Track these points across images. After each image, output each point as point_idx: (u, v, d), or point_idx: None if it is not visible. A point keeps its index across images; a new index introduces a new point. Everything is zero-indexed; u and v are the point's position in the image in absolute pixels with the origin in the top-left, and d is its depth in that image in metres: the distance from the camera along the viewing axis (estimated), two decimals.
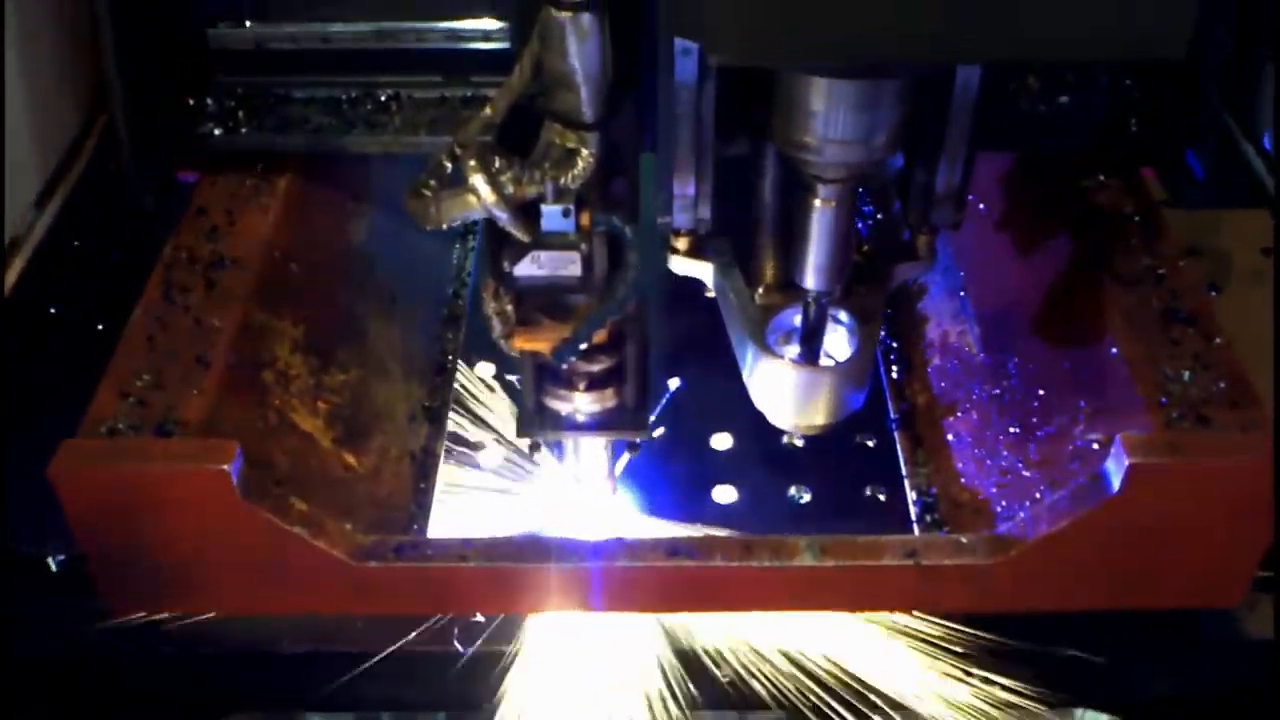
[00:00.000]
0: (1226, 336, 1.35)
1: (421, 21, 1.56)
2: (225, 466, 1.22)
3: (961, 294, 1.62)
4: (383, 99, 1.59)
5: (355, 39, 1.57)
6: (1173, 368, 1.31)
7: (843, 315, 1.34)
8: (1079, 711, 1.67)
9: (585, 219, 1.17)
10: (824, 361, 1.34)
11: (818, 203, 1.22)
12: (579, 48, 1.10)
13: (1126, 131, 1.51)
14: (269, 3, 1.56)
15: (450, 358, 1.71)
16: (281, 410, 1.40)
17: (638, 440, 1.47)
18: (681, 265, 1.33)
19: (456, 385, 1.68)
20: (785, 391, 1.35)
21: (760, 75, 1.17)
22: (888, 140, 1.17)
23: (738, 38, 1.00)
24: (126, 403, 1.31)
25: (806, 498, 1.59)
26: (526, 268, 1.18)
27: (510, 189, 1.13)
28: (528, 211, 1.15)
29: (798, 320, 1.34)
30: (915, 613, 1.38)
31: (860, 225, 1.37)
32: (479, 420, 1.66)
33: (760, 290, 1.36)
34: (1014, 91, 1.38)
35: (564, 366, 1.34)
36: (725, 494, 1.60)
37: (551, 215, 1.16)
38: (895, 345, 1.69)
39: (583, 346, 1.26)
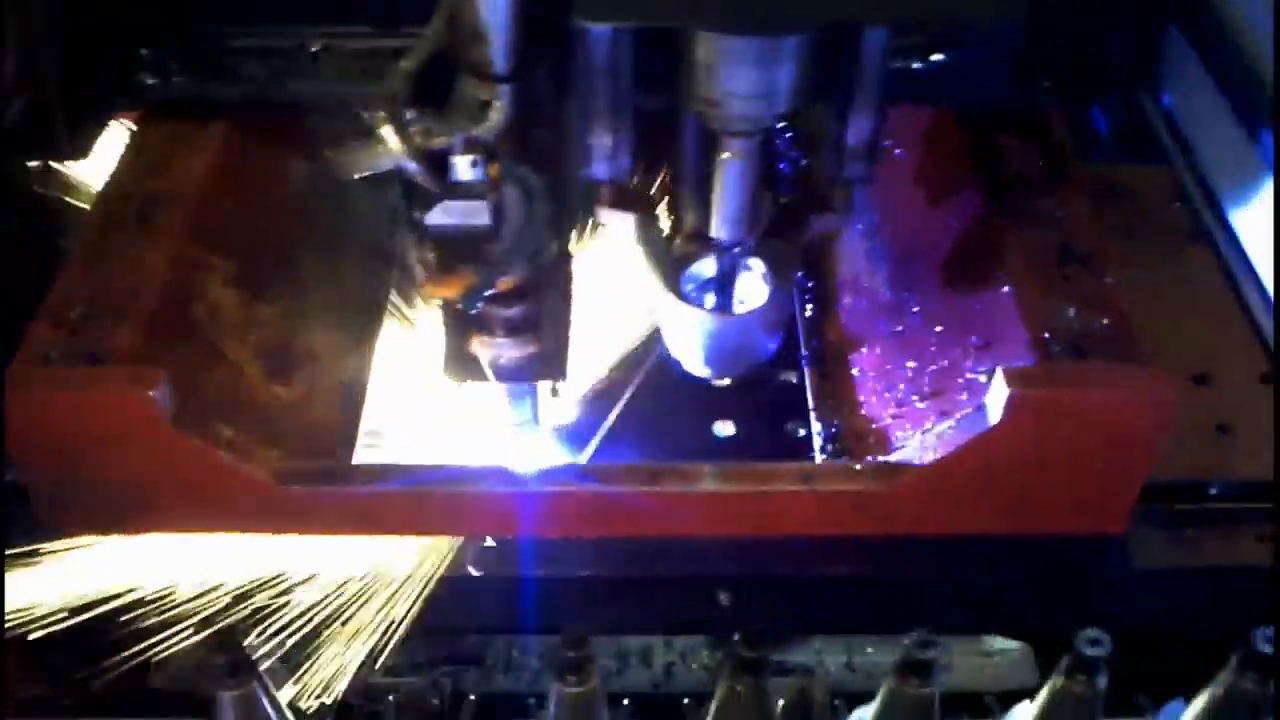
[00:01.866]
0: (1117, 277, 1.42)
1: None
2: (152, 393, 1.28)
3: (874, 236, 1.68)
4: (314, 50, 1.64)
5: None
6: (1060, 304, 1.38)
7: (759, 264, 1.38)
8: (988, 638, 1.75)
9: (494, 169, 1.20)
10: (736, 310, 1.39)
11: (725, 156, 1.25)
12: (490, 1, 1.13)
13: (1037, 87, 1.58)
14: None
15: (383, 294, 1.76)
16: (212, 342, 1.46)
17: (556, 386, 1.52)
18: (606, 215, 1.37)
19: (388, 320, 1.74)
20: (697, 339, 1.41)
21: (671, 31, 1.20)
22: (788, 95, 1.20)
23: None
24: (60, 333, 1.37)
25: (728, 432, 1.65)
26: (437, 216, 1.21)
27: (419, 140, 1.16)
28: (438, 162, 1.19)
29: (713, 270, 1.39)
30: None
31: (782, 176, 1.43)
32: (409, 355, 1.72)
33: (679, 240, 1.40)
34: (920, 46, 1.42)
35: (474, 312, 1.36)
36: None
37: (460, 166, 1.19)
38: (811, 285, 1.75)
39: (491, 292, 1.29)
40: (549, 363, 1.44)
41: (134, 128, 1.65)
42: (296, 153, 1.73)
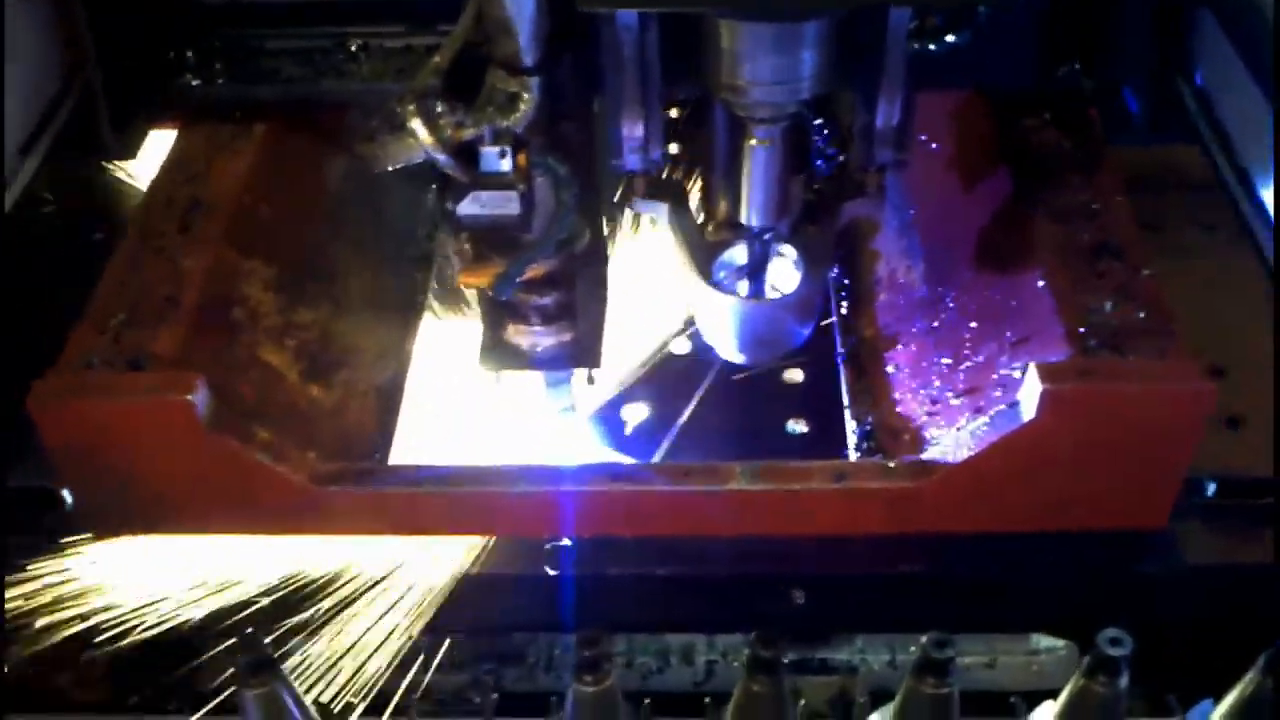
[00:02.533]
0: (1153, 269, 1.40)
1: None
2: (190, 397, 1.30)
3: (911, 230, 1.67)
4: (352, 49, 1.67)
5: None
6: (1095, 298, 1.36)
7: (791, 251, 1.39)
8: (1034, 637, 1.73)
9: (522, 160, 1.22)
10: (768, 296, 1.40)
11: (752, 142, 1.27)
12: None
13: (1067, 69, 1.55)
14: None
15: (420, 297, 1.78)
16: (250, 346, 1.48)
17: (592, 373, 1.53)
18: (641, 205, 1.39)
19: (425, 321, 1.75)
20: (730, 325, 1.41)
21: (696, 20, 1.21)
22: (811, 80, 1.21)
23: None
24: (102, 339, 1.39)
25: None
26: (468, 207, 1.23)
27: (449, 132, 1.18)
28: (467, 154, 1.21)
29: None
30: None
31: (817, 165, 1.43)
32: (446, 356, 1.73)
33: (711, 228, 1.41)
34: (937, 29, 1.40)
35: (513, 301, 1.40)
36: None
37: (489, 157, 1.21)
38: (847, 282, 1.74)
39: (522, 279, 1.31)
40: (584, 350, 1.47)
41: (174, 134, 1.68)
42: (334, 156, 1.75)
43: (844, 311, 1.71)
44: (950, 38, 1.23)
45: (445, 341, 1.76)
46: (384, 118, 1.26)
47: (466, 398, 1.67)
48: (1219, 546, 1.42)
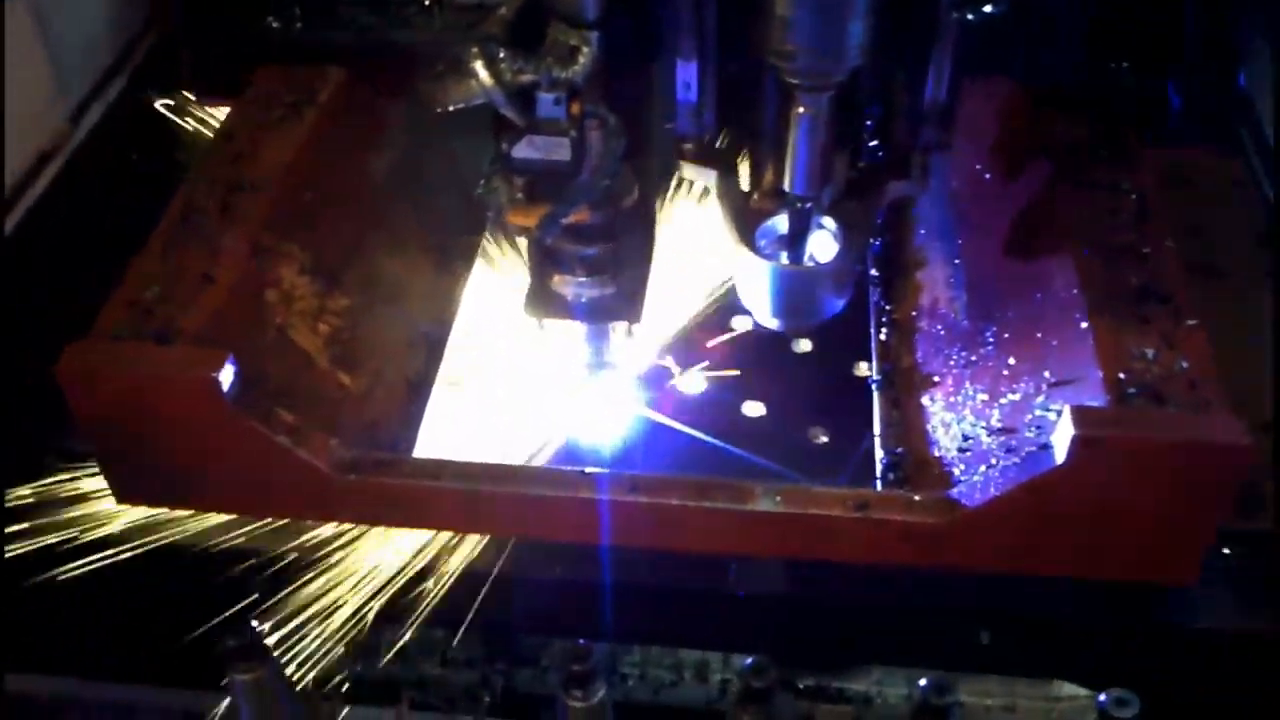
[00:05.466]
0: (1200, 319, 1.36)
1: None
2: (215, 374, 1.31)
3: (957, 261, 1.64)
4: (426, 3, 1.73)
5: None
6: (1138, 345, 1.33)
7: (832, 223, 1.42)
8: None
9: (576, 107, 1.26)
10: (806, 264, 1.43)
11: (799, 110, 1.30)
12: None
13: (1115, 67, 1.59)
14: None
15: (456, 291, 1.78)
16: (282, 328, 1.48)
17: (632, 327, 1.56)
18: (690, 170, 1.45)
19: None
20: (766, 289, 1.44)
21: None
22: (857, 51, 1.24)
23: None
24: (134, 311, 1.40)
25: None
26: (523, 150, 1.28)
27: (508, 76, 1.23)
28: (524, 98, 1.25)
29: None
30: None
31: (866, 144, 1.45)
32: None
33: (756, 196, 1.44)
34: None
35: (559, 251, 1.44)
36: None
37: (545, 102, 1.25)
38: (889, 308, 1.72)
39: (567, 221, 1.34)
40: (626, 304, 1.51)
41: (220, 117, 1.69)
42: (380, 141, 1.75)
43: (883, 338, 1.68)
44: (988, 8, 1.23)
45: (483, 334, 1.76)
46: (449, 61, 1.29)
47: (500, 395, 1.69)
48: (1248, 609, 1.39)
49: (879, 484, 1.52)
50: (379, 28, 1.74)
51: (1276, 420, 1.46)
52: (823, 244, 1.43)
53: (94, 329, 1.38)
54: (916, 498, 1.34)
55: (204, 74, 1.79)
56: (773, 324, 1.50)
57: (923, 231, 1.76)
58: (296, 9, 1.75)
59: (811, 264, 1.43)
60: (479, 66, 1.21)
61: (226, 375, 1.31)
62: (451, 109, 1.29)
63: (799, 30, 1.22)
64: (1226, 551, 1.41)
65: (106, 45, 1.81)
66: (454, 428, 1.65)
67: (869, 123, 1.44)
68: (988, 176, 1.67)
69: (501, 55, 1.22)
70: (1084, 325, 1.36)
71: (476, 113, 1.30)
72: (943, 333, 1.60)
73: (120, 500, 1.45)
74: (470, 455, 1.60)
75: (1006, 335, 1.48)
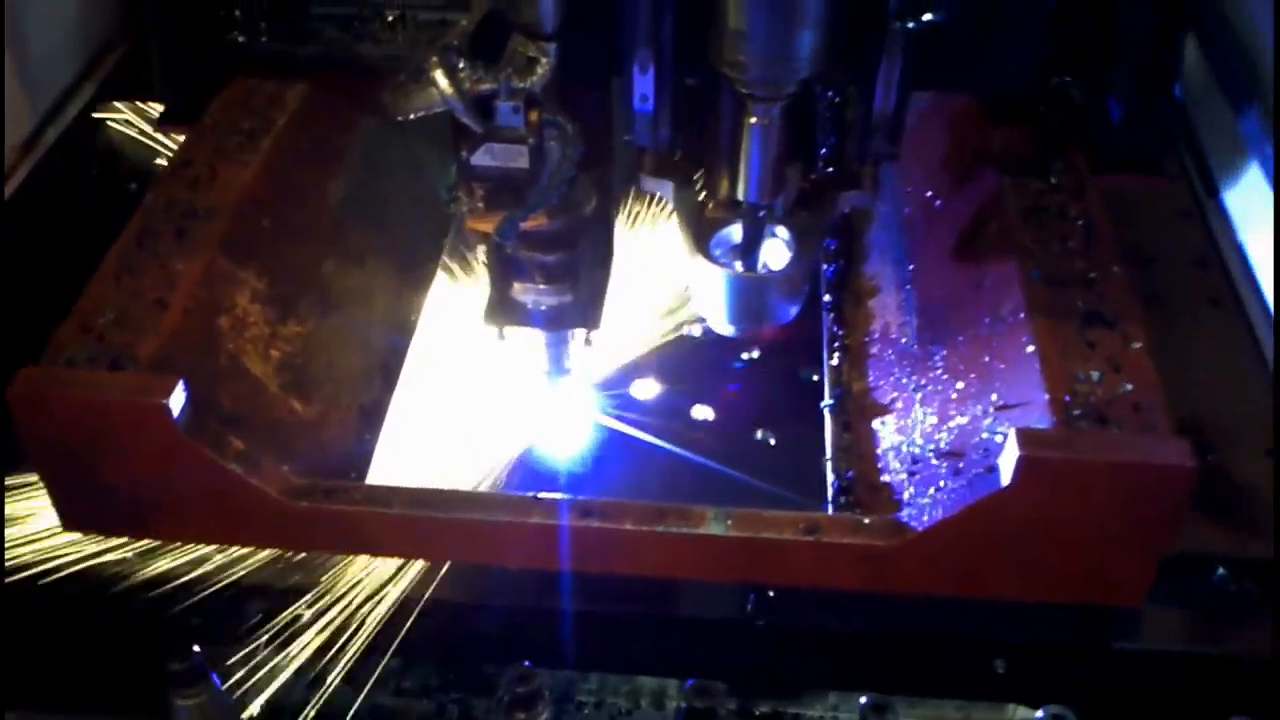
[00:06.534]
0: (1147, 343, 1.38)
1: None
2: (166, 401, 1.30)
3: (908, 287, 1.66)
4: (390, 19, 1.76)
5: None
6: (1084, 368, 1.35)
7: (785, 232, 1.45)
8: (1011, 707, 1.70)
9: (534, 116, 1.28)
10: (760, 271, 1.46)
11: (752, 120, 1.32)
12: None
13: (1059, 79, 1.62)
14: None
15: (413, 317, 1.78)
16: (234, 354, 1.48)
17: (590, 336, 1.58)
18: (648, 181, 1.48)
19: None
20: (719, 296, 1.47)
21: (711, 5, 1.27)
22: (808, 62, 1.27)
23: None
24: (88, 336, 1.40)
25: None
26: (481, 157, 1.30)
27: (467, 85, 1.25)
28: (483, 107, 1.28)
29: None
30: None
31: (818, 157, 1.49)
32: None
33: (711, 205, 1.47)
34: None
35: (519, 259, 1.47)
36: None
37: (504, 111, 1.28)
38: (841, 333, 1.73)
39: (526, 226, 1.35)
40: (584, 311, 1.54)
41: (179, 140, 1.70)
42: (338, 168, 1.76)
43: (835, 363, 1.70)
44: (928, 16, 1.27)
45: (438, 359, 1.77)
46: (410, 72, 1.31)
47: (460, 406, 1.70)
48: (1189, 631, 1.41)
49: (830, 507, 1.53)
50: (344, 41, 1.77)
51: (1277, 444, 1.48)
52: (776, 252, 1.46)
53: (46, 354, 1.37)
54: (866, 521, 1.35)
55: (171, 87, 1.80)
56: (727, 330, 1.53)
57: (876, 258, 1.78)
58: (262, 23, 1.77)
59: (765, 271, 1.46)
60: (439, 75, 1.24)
61: (177, 401, 1.31)
62: (413, 116, 1.31)
63: (751, 41, 1.26)
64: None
65: (73, 57, 1.82)
66: (413, 441, 1.65)
67: (821, 136, 1.48)
68: (938, 203, 1.69)
69: (461, 65, 1.25)
70: (1030, 349, 1.38)
71: (439, 126, 1.32)
72: (893, 357, 1.61)
73: (67, 527, 1.44)
74: (429, 468, 1.63)
75: (956, 359, 1.50)
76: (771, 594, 1.44)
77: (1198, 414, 1.53)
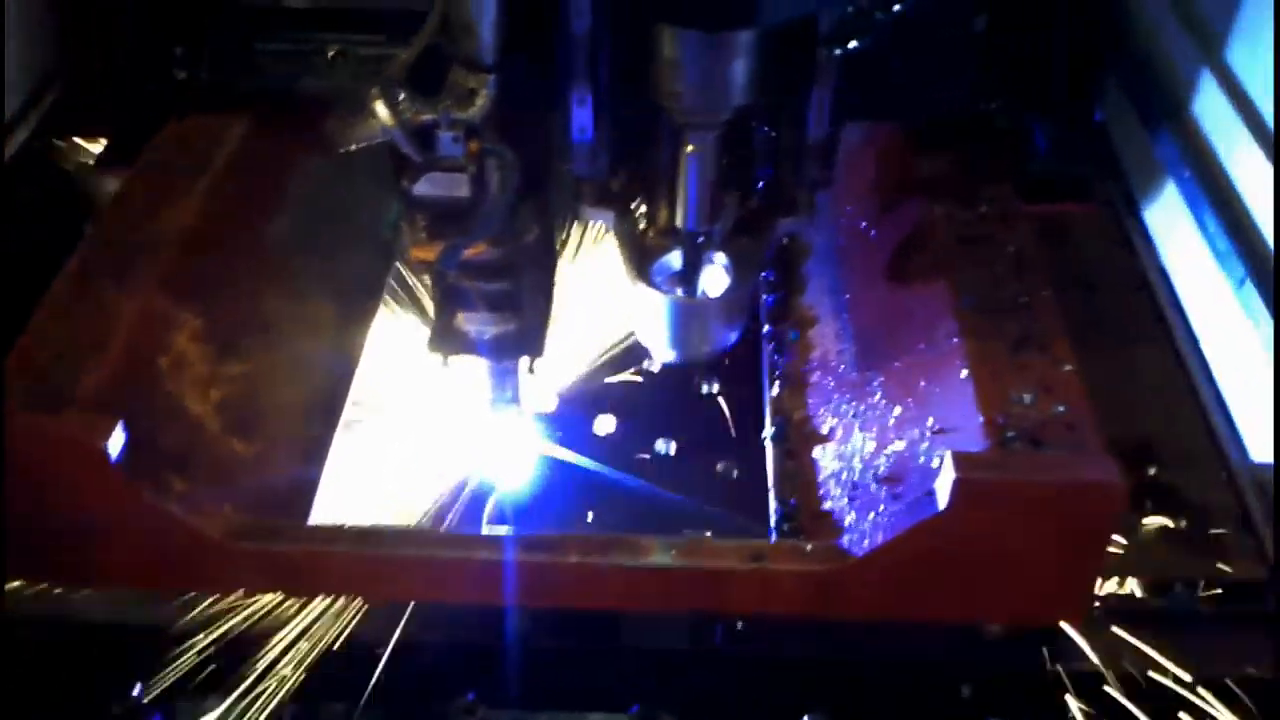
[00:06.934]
0: (1076, 365, 1.41)
1: None
2: (104, 444, 1.29)
3: (845, 315, 1.68)
4: (331, 54, 1.78)
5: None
6: (1016, 390, 1.37)
7: (723, 258, 1.47)
8: None
9: (474, 146, 1.30)
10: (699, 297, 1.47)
11: (689, 148, 1.35)
12: None
13: (985, 105, 1.70)
14: None
15: (356, 351, 1.78)
16: (173, 395, 1.47)
17: (534, 364, 1.59)
18: (588, 211, 1.49)
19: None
20: (660, 322, 1.49)
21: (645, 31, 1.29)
22: (743, 92, 1.30)
23: None
24: (26, 375, 1.38)
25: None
26: (422, 186, 1.32)
27: (408, 116, 1.27)
28: (424, 138, 1.29)
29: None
30: None
31: (756, 184, 1.50)
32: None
33: (651, 234, 1.49)
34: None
35: (462, 288, 1.47)
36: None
37: (444, 140, 1.30)
38: (779, 360, 1.75)
39: (468, 254, 1.37)
40: (528, 339, 1.55)
41: (121, 180, 1.69)
42: (280, 204, 1.76)
43: (775, 393, 1.72)
44: (854, 43, 1.29)
45: (382, 391, 1.78)
46: (351, 102, 1.33)
47: (404, 437, 1.71)
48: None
49: (774, 535, 1.54)
50: (286, 76, 1.78)
51: (1277, 461, 1.50)
52: (716, 278, 1.48)
53: None
54: (808, 547, 1.36)
55: (112, 121, 1.81)
56: (669, 356, 1.55)
57: (813, 287, 1.80)
58: (205, 59, 1.78)
59: (704, 297, 1.47)
60: (379, 106, 1.26)
61: (116, 442, 1.30)
62: (355, 147, 1.33)
63: (685, 71, 1.28)
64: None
65: (15, 89, 1.82)
66: (356, 475, 1.66)
67: (757, 163, 1.50)
68: (873, 233, 1.72)
69: (402, 96, 1.26)
70: (964, 373, 1.41)
71: (381, 160, 1.34)
72: (832, 385, 1.64)
73: (9, 574, 1.42)
74: (373, 503, 1.63)
75: (893, 385, 1.52)
76: (721, 624, 1.44)
77: (1146, 434, 1.56)
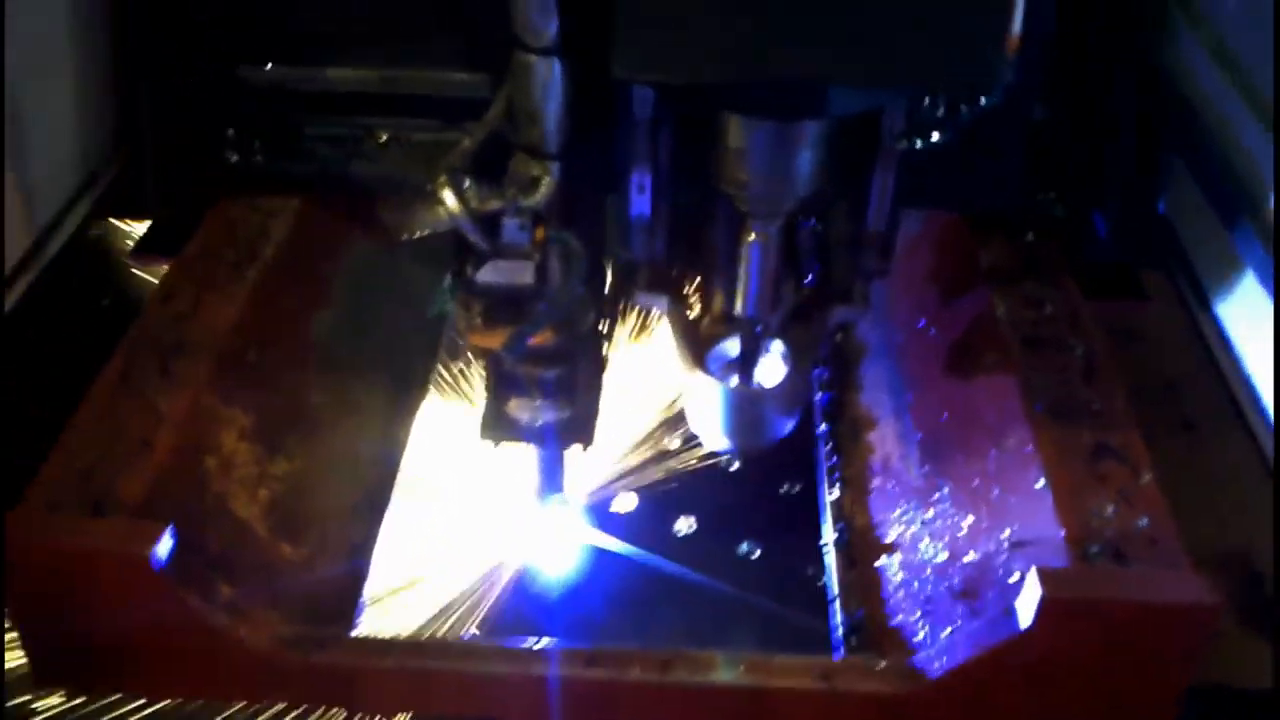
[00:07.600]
0: (1154, 474, 1.36)
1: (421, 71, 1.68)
2: (150, 551, 1.25)
3: (906, 417, 1.64)
4: (383, 139, 1.74)
5: (361, 84, 1.71)
6: (1096, 503, 1.32)
7: (780, 346, 1.45)
8: None
9: (540, 233, 1.30)
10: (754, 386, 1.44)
11: (750, 237, 1.33)
12: (543, 87, 1.24)
13: (1044, 197, 1.67)
14: (290, 47, 1.71)
15: (403, 440, 1.75)
16: (221, 496, 1.43)
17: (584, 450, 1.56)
18: (643, 297, 1.48)
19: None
20: (715, 411, 1.45)
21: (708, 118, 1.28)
22: (809, 182, 1.29)
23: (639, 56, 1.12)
24: (71, 477, 1.34)
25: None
26: (488, 273, 1.32)
27: (474, 204, 1.27)
28: (490, 225, 1.29)
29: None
30: None
31: (810, 274, 1.48)
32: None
33: (707, 321, 1.48)
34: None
35: (516, 375, 1.46)
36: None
37: (510, 228, 1.30)
38: (838, 462, 1.70)
39: (533, 342, 1.35)
40: (579, 427, 1.52)
41: (163, 273, 1.66)
42: (325, 298, 1.73)
43: (835, 497, 1.67)
44: (935, 136, 1.27)
45: (428, 479, 1.74)
46: (412, 190, 1.32)
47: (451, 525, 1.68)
48: None
49: (841, 650, 1.48)
50: (338, 160, 1.76)
51: (1276, 476, 1.46)
52: (771, 367, 1.46)
53: (29, 495, 1.32)
54: (879, 665, 1.31)
55: (165, 205, 1.80)
56: (724, 445, 1.52)
57: (870, 387, 1.76)
58: (256, 142, 1.76)
59: (760, 386, 1.45)
60: (447, 194, 1.25)
61: (164, 549, 1.25)
62: (417, 235, 1.31)
63: (752, 160, 1.26)
64: None
65: (71, 171, 1.81)
66: (401, 570, 1.61)
67: (812, 253, 1.48)
68: (933, 331, 1.68)
69: (467, 184, 1.26)
70: (1041, 484, 1.36)
71: (428, 245, 1.34)
72: (896, 489, 1.59)
73: (40, 683, 1.36)
74: (419, 598, 1.59)
75: (962, 493, 1.47)
76: None
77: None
